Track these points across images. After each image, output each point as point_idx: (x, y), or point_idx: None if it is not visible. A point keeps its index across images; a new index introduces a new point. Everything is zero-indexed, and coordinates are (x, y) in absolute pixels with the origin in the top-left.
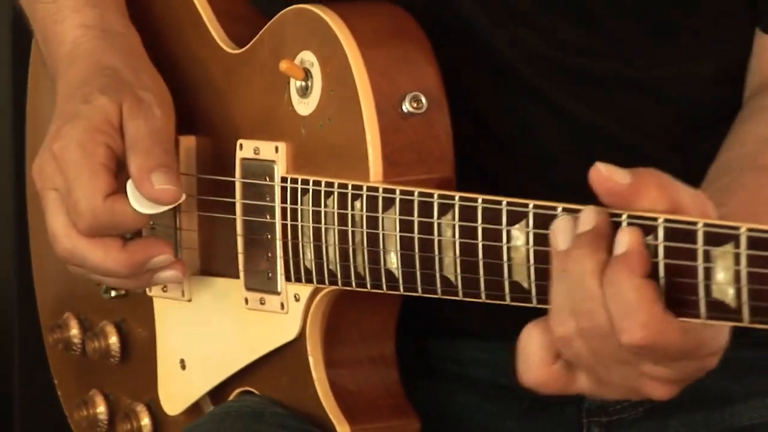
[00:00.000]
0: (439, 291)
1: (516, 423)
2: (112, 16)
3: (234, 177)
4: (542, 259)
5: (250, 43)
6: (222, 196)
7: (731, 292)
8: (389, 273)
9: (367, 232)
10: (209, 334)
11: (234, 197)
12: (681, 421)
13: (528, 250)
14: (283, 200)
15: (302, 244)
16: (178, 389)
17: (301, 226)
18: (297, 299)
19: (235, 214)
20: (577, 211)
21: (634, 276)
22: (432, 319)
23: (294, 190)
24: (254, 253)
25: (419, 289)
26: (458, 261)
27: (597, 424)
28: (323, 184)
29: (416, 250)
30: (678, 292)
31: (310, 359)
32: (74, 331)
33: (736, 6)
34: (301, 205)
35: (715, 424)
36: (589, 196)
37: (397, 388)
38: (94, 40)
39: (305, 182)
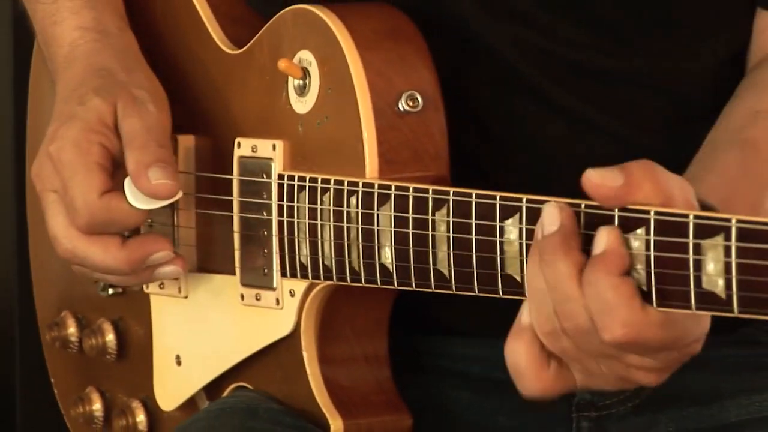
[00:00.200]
0: (432, 285)
1: (507, 418)
2: (108, 18)
3: (232, 175)
4: None
5: (249, 44)
6: (219, 193)
7: (721, 283)
8: (384, 268)
9: (362, 228)
10: (205, 330)
11: (231, 195)
12: (670, 416)
13: (521, 244)
14: (280, 197)
15: (298, 240)
16: (174, 385)
17: (297, 222)
18: (292, 295)
19: (232, 212)
20: (570, 204)
21: (612, 275)
22: (423, 317)
23: (291, 187)
24: (250, 250)
25: (413, 284)
26: (452, 255)
27: (587, 419)
28: (319, 180)
29: (410, 245)
30: (668, 284)
31: (305, 354)
32: (71, 329)
33: None
34: (298, 202)
35: (703, 419)
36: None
37: (389, 384)
38: (90, 42)
39: (302, 179)
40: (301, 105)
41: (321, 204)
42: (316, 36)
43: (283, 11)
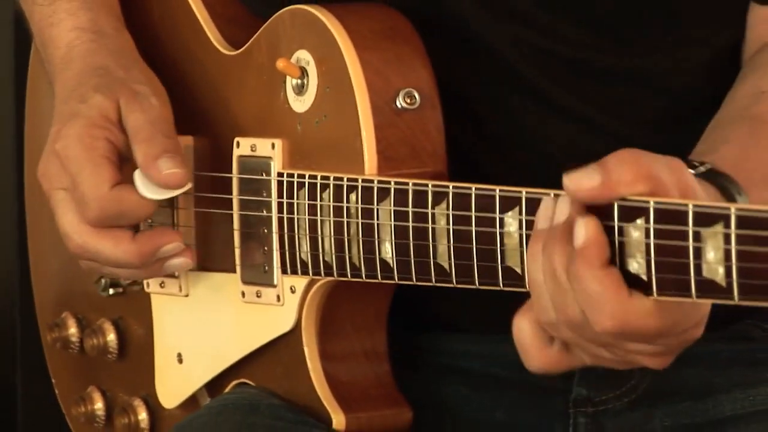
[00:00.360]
0: (433, 279)
1: (505, 413)
2: (104, 19)
3: (231, 174)
4: None
5: (247, 44)
6: (219, 192)
7: (721, 271)
8: (384, 263)
9: (362, 223)
10: (206, 328)
11: (231, 193)
12: (665, 411)
13: (521, 236)
14: (280, 195)
15: (298, 237)
16: (175, 383)
17: (297, 219)
18: (293, 291)
19: (232, 210)
20: None
21: (594, 268)
22: (422, 313)
23: (290, 185)
24: (251, 248)
25: (414, 278)
26: (452, 248)
27: (583, 415)
28: (319, 177)
29: (411, 239)
30: (668, 273)
31: (306, 350)
32: (72, 329)
33: None
34: (297, 199)
35: (698, 414)
36: None
37: (388, 379)
38: (87, 42)
39: (301, 176)
40: (300, 104)
41: (321, 200)
42: (314, 36)
43: (281, 11)
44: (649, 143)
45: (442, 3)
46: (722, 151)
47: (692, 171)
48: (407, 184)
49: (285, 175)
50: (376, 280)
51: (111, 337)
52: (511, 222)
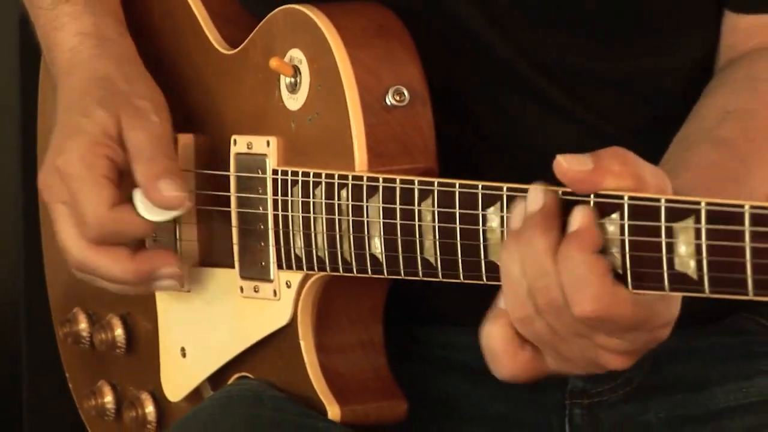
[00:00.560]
0: (420, 273)
1: (502, 406)
2: (107, 23)
3: (229, 172)
4: None
5: (243, 44)
6: (218, 190)
7: (693, 264)
8: (374, 258)
9: (352, 220)
10: (208, 322)
11: (229, 191)
12: (660, 403)
13: (503, 232)
14: (275, 192)
15: (293, 233)
16: (180, 376)
17: (292, 216)
18: (288, 286)
19: (230, 207)
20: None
21: (585, 251)
22: (419, 307)
23: (284, 182)
24: (248, 244)
25: (402, 272)
26: (438, 244)
27: (579, 406)
28: (311, 175)
29: (399, 235)
30: (643, 267)
31: (302, 343)
32: (83, 325)
33: None
34: (291, 196)
35: (693, 406)
36: None
37: (385, 371)
38: (91, 48)
39: (295, 174)
40: (293, 102)
41: (313, 197)
42: (306, 34)
43: (274, 11)
44: (644, 147)
45: (442, 3)
46: (683, 178)
47: None
48: (395, 181)
49: (279, 172)
50: (367, 275)
51: (119, 332)
52: (493, 218)
